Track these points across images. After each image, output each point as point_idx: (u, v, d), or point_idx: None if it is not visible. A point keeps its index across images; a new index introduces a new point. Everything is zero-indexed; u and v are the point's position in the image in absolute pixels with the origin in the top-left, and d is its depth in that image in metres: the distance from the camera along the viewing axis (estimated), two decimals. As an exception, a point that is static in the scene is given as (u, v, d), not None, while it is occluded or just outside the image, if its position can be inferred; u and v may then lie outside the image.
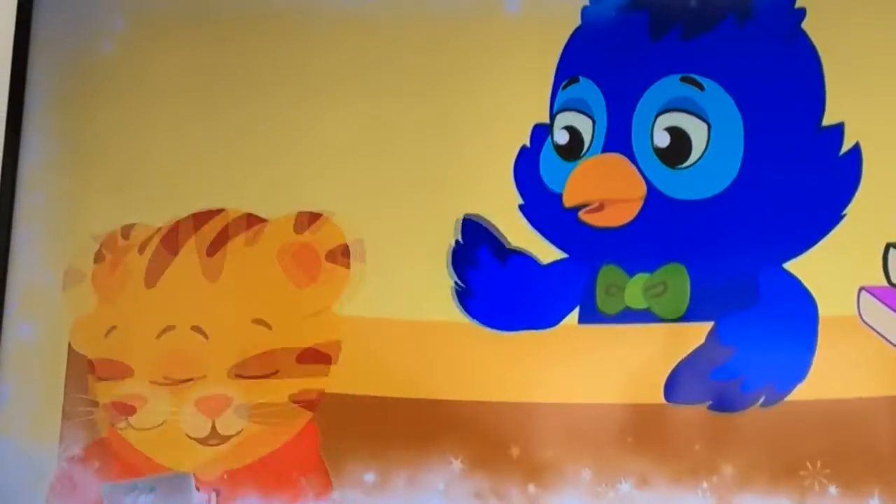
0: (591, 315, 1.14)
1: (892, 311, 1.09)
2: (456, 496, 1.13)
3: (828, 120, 1.12)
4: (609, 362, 1.13)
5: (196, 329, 1.24)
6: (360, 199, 1.23)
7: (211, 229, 1.26)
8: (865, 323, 1.09)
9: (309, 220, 1.24)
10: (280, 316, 1.22)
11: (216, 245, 1.26)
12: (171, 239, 1.27)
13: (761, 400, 1.08)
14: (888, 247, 1.10)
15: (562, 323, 1.15)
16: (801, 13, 1.14)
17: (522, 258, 1.17)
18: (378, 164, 1.24)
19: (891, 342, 1.08)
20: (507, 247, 1.18)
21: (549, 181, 1.18)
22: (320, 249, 1.23)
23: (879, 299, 1.09)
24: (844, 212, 1.10)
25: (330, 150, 1.26)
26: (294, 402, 1.20)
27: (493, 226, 1.18)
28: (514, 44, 1.22)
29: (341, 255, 1.22)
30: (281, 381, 1.21)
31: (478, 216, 1.19)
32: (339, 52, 1.27)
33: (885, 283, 1.09)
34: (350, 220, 1.23)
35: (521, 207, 1.18)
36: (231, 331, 1.24)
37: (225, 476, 1.20)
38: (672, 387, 1.11)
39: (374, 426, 1.17)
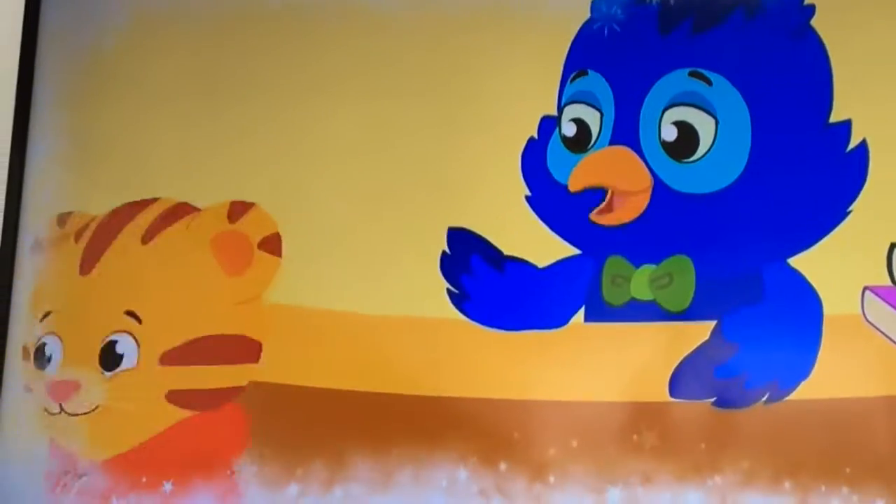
0: (597, 309, 1.13)
1: (896, 311, 1.10)
2: (460, 493, 1.12)
3: (835, 117, 1.12)
4: (614, 361, 1.12)
5: (130, 314, 1.24)
6: (365, 196, 1.23)
7: (145, 218, 1.27)
8: (869, 322, 1.09)
9: (242, 209, 1.24)
10: (212, 303, 1.24)
11: (151, 233, 1.26)
12: (107, 227, 1.28)
13: (765, 397, 1.08)
14: (892, 246, 1.10)
15: (567, 322, 1.14)
16: (811, 10, 1.14)
17: (519, 265, 1.17)
18: (383, 161, 1.23)
19: (895, 342, 1.08)
20: (503, 255, 1.17)
21: (555, 173, 1.17)
22: (253, 238, 1.23)
23: (884, 299, 1.09)
24: (850, 208, 1.10)
25: (334, 149, 1.25)
26: (223, 389, 1.21)
27: (482, 237, 1.18)
28: (523, 36, 1.21)
29: (272, 244, 1.23)
30: (210, 368, 1.22)
31: (463, 228, 1.19)
32: (344, 51, 1.27)
33: (889, 282, 1.09)
34: (354, 215, 1.22)
35: (527, 198, 1.18)
36: (164, 317, 1.25)
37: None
38: (677, 383, 1.10)
39: (378, 422, 1.16)
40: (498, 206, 1.18)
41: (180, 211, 1.27)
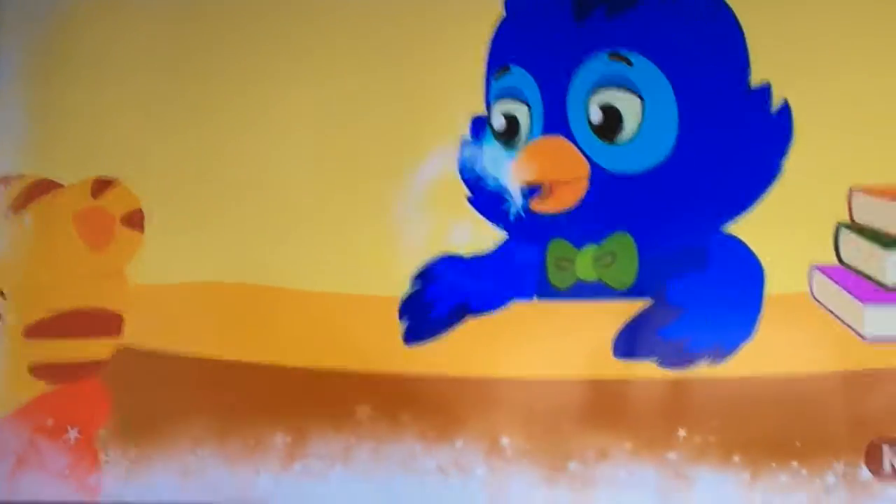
0: (544, 294, 1.15)
1: (842, 289, 1.06)
2: (418, 469, 1.16)
3: (754, 81, 1.10)
4: (567, 338, 1.14)
5: None
6: (323, 175, 1.25)
7: (10, 193, 1.31)
8: (817, 300, 1.07)
9: (104, 185, 1.28)
10: (75, 278, 1.28)
11: (14, 208, 1.31)
12: None
13: (709, 358, 1.09)
14: (839, 226, 1.07)
15: (518, 300, 1.16)
16: None
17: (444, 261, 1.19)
18: (341, 140, 1.25)
19: (841, 319, 1.06)
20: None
21: (493, 171, 1.18)
22: (115, 214, 1.27)
23: (830, 278, 1.07)
24: (782, 165, 1.09)
25: (294, 127, 1.26)
26: (85, 361, 1.25)
27: None
28: (446, 36, 1.22)
29: (135, 219, 1.27)
30: (73, 341, 1.26)
31: None
32: (305, 27, 1.27)
33: (835, 261, 1.07)
34: (312, 193, 1.25)
35: (470, 200, 1.19)
36: (27, 292, 1.30)
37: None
38: (621, 343, 1.12)
39: (336, 400, 1.19)
40: (444, 205, 1.20)
41: (43, 187, 1.31)
